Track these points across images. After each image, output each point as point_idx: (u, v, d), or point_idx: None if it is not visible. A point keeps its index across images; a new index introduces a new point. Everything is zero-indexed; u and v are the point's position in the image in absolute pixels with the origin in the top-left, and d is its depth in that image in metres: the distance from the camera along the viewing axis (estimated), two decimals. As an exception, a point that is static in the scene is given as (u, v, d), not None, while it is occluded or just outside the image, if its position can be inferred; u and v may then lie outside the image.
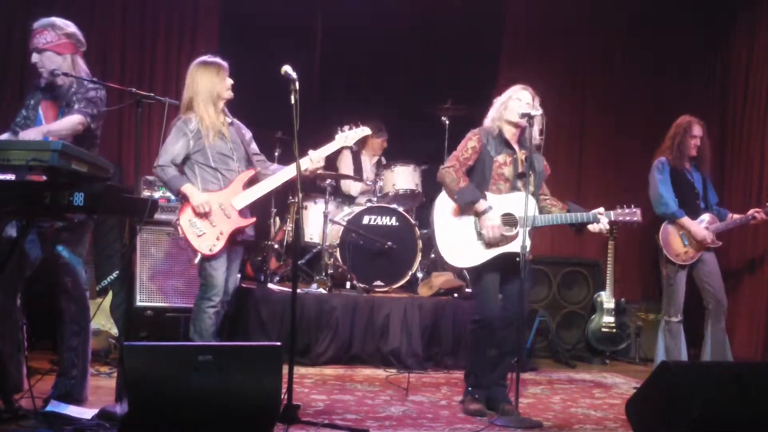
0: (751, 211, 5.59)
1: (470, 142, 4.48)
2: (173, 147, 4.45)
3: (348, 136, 4.81)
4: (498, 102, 4.55)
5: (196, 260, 4.44)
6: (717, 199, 5.73)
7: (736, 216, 5.60)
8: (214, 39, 6.66)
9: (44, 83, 4.11)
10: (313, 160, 4.59)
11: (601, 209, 4.39)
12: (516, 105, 4.44)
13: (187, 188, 4.43)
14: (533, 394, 5.11)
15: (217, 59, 4.56)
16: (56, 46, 4.04)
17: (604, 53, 7.42)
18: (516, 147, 4.50)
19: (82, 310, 4.16)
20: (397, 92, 7.46)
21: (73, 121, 3.96)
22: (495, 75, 7.13)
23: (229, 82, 4.54)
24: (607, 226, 4.38)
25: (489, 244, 4.38)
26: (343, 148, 6.35)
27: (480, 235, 4.40)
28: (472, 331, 4.61)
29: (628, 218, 4.40)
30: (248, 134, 4.73)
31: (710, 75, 7.28)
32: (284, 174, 4.58)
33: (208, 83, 4.48)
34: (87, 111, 4.00)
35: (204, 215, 4.41)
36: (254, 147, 4.74)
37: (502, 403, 4.36)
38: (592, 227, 4.38)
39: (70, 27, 4.12)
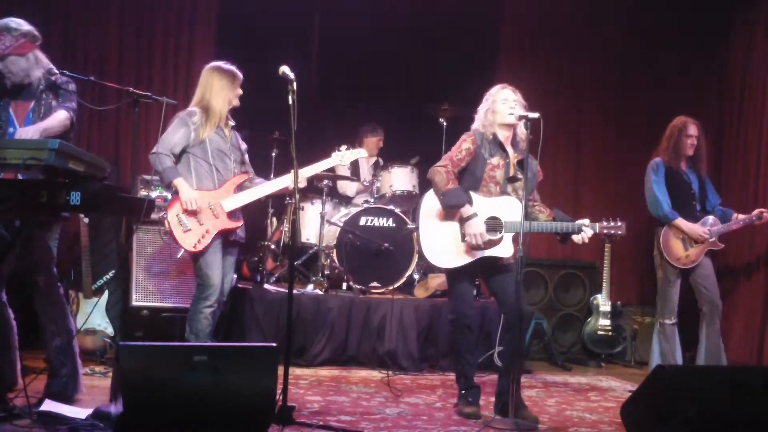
0: (756, 211, 5.58)
1: (465, 143, 4.47)
2: (173, 136, 4.48)
3: (344, 156, 4.93)
4: (483, 109, 4.52)
5: (179, 255, 4.49)
6: (719, 200, 5.71)
7: (741, 216, 5.59)
8: (212, 39, 6.66)
9: (9, 85, 4.05)
10: (303, 176, 4.67)
11: (586, 221, 4.38)
12: (503, 107, 4.43)
13: (179, 182, 4.46)
14: (528, 396, 5.10)
15: (234, 68, 4.63)
16: (16, 48, 3.99)
17: (602, 55, 7.42)
18: (510, 150, 4.49)
19: (59, 309, 4.13)
20: (395, 93, 7.46)
21: (61, 117, 3.98)
22: (492, 76, 7.12)
23: (239, 92, 4.62)
24: (590, 236, 4.38)
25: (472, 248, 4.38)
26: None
27: (464, 236, 4.39)
28: (451, 332, 4.62)
29: (612, 231, 4.40)
30: (244, 146, 4.83)
31: (709, 76, 7.28)
32: (275, 184, 4.72)
33: (223, 89, 4.56)
34: (69, 105, 4.03)
35: (192, 212, 4.44)
36: (246, 158, 4.84)
37: (522, 409, 4.31)
38: (576, 238, 4.38)
39: (24, 25, 4.06)
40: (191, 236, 4.45)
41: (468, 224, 4.32)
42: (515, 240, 4.31)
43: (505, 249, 4.35)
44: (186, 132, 4.48)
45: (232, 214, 4.56)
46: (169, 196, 5.65)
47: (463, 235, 4.37)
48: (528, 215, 4.40)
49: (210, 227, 4.48)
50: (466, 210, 4.32)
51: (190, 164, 4.53)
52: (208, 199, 4.49)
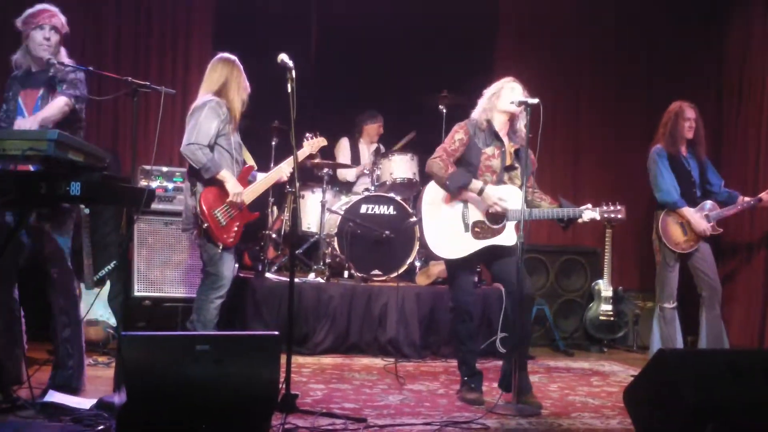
0: (762, 194, 5.57)
1: (457, 134, 4.48)
2: (209, 127, 4.48)
3: (312, 144, 5.15)
4: (488, 92, 4.52)
5: (220, 249, 4.51)
6: (722, 180, 5.70)
7: (746, 198, 5.59)
8: (210, 28, 6.63)
9: (21, 72, 4.13)
10: (285, 171, 4.82)
11: (589, 206, 4.41)
12: (509, 95, 4.43)
13: (226, 174, 4.50)
14: (531, 382, 5.10)
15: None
16: (65, 33, 4.16)
17: (600, 48, 7.41)
18: (505, 139, 4.49)
19: (71, 301, 4.13)
20: (394, 81, 7.44)
21: (59, 104, 3.98)
22: (491, 64, 7.12)
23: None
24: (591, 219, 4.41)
25: (479, 233, 4.37)
26: (340, 137, 6.45)
27: (468, 226, 4.40)
28: (451, 319, 4.65)
29: (613, 215, 4.44)
30: None
31: (707, 69, 7.25)
32: (275, 173, 4.84)
33: (241, 85, 4.62)
34: (70, 92, 4.02)
35: (229, 206, 4.52)
36: None
37: (527, 393, 4.33)
38: (580, 220, 4.41)
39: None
40: (228, 231, 4.52)
41: (484, 196, 4.33)
42: (518, 228, 4.32)
43: (508, 237, 4.36)
44: (218, 123, 4.49)
45: (249, 206, 4.66)
46: (170, 187, 5.70)
47: (466, 225, 4.39)
48: (530, 203, 4.43)
49: (240, 221, 4.57)
50: (475, 185, 4.34)
51: (214, 155, 4.54)
52: None
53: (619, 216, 4.45)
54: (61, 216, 4.06)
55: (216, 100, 4.52)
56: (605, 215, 4.43)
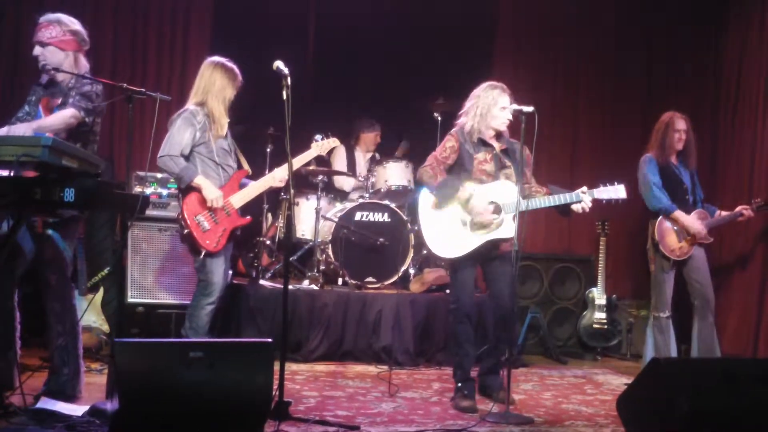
0: (738, 208, 5.60)
1: (448, 142, 4.56)
2: (182, 137, 4.48)
3: (322, 145, 5.05)
4: (476, 108, 4.54)
5: (202, 256, 4.48)
6: (703, 195, 5.73)
7: (724, 213, 5.61)
8: (207, 34, 6.64)
9: (45, 80, 4.13)
10: (278, 177, 4.75)
11: (584, 188, 4.42)
12: (502, 114, 4.48)
13: (201, 180, 4.48)
14: (524, 390, 5.12)
15: (235, 67, 4.66)
16: (60, 41, 4.09)
17: (597, 49, 7.42)
18: (493, 143, 4.55)
19: (68, 309, 4.12)
20: (389, 87, 7.44)
21: (65, 115, 3.96)
22: (488, 70, 7.13)
23: (236, 91, 4.66)
24: (590, 204, 4.41)
25: (478, 228, 4.40)
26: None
27: (466, 222, 4.44)
28: (450, 322, 4.68)
29: (612, 195, 4.43)
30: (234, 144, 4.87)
31: (703, 71, 7.27)
32: (271, 178, 4.75)
33: (224, 85, 4.58)
34: (80, 105, 4.00)
35: (210, 212, 4.48)
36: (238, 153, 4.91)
37: (497, 391, 4.38)
38: (576, 207, 4.41)
39: (76, 24, 4.17)
40: (211, 236, 4.49)
41: (471, 206, 4.39)
42: (516, 221, 4.35)
43: (506, 230, 4.40)
44: (192, 132, 4.49)
45: (240, 211, 4.63)
46: (165, 193, 5.69)
47: (464, 222, 4.45)
48: (526, 196, 4.48)
49: (225, 225, 4.54)
50: (463, 193, 4.38)
51: (196, 164, 4.53)
52: None
53: (619, 195, 4.45)
54: (67, 223, 4.05)
55: (190, 110, 4.53)
56: (603, 195, 4.44)
